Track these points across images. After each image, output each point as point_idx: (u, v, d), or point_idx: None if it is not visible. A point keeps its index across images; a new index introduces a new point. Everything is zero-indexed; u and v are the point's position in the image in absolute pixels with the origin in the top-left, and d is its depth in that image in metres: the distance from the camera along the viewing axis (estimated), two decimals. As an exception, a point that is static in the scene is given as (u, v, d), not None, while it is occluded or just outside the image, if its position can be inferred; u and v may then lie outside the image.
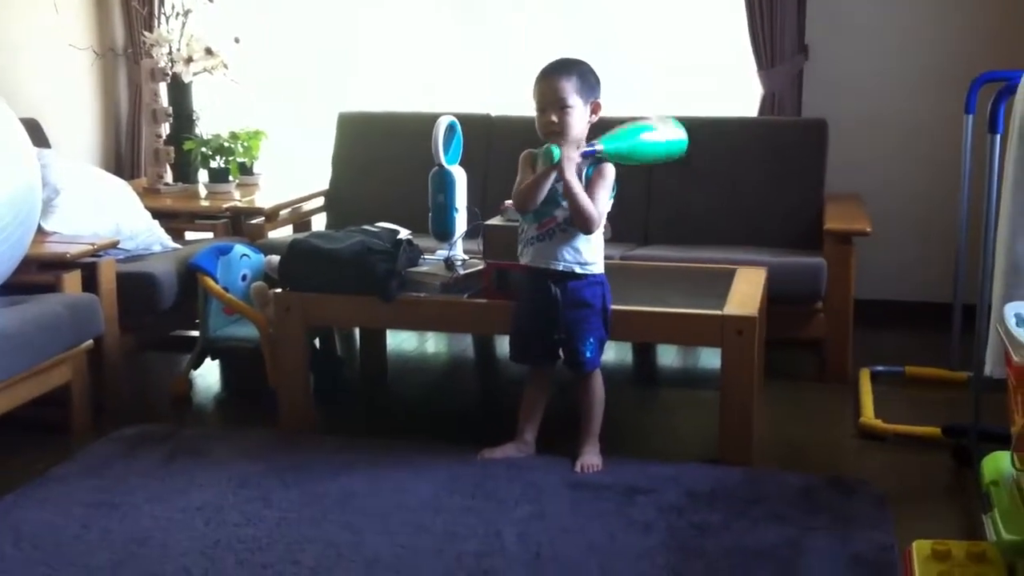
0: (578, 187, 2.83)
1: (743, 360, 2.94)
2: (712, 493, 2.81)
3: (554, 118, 2.85)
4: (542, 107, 2.89)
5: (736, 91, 4.56)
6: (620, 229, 3.44)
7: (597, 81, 2.94)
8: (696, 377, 3.99)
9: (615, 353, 4.04)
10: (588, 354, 2.94)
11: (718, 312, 2.98)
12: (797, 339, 3.83)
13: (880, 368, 3.77)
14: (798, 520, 2.65)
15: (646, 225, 4.23)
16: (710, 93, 4.63)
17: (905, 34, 4.38)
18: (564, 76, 2.87)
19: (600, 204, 2.87)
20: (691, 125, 4.26)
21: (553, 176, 2.85)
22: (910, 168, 4.43)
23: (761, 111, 4.43)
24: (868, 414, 3.33)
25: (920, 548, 2.20)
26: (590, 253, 2.93)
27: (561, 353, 2.99)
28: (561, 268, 2.91)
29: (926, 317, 4.27)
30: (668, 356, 4.18)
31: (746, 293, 3.18)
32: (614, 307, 3.00)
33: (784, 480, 2.89)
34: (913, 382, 3.73)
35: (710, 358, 3.99)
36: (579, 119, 2.88)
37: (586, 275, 2.93)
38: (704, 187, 4.20)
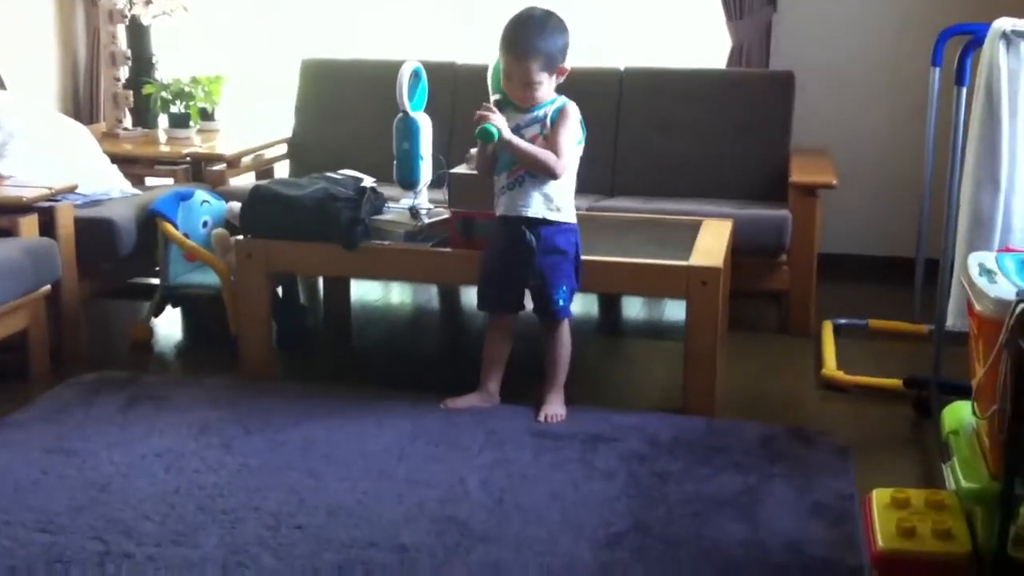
0: (521, 144, 2.83)
1: (707, 311, 2.95)
2: (674, 442, 2.82)
3: (520, 92, 2.86)
4: (508, 76, 2.86)
5: (705, 42, 4.53)
6: (587, 180, 3.41)
7: (565, 42, 2.87)
8: (661, 328, 4.00)
9: (581, 304, 4.04)
10: (560, 301, 2.94)
11: (683, 263, 2.98)
12: (761, 291, 3.85)
13: (843, 321, 3.79)
14: (759, 468, 2.67)
15: (613, 176, 4.20)
16: (679, 44, 4.60)
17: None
18: (531, 56, 2.80)
19: (563, 147, 2.85)
20: (660, 77, 4.31)
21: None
22: (876, 121, 4.43)
23: (729, 63, 4.41)
24: (830, 366, 3.35)
25: (880, 496, 2.23)
26: (561, 200, 2.92)
27: (531, 301, 2.98)
28: (530, 215, 2.89)
29: (890, 271, 4.29)
30: (633, 307, 4.18)
31: (711, 245, 3.18)
32: (582, 257, 2.98)
33: (746, 430, 2.90)
34: (876, 335, 3.76)
35: (675, 309, 4.00)
36: (545, 91, 2.87)
37: (558, 223, 2.91)
38: (671, 139, 4.18)
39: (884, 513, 2.16)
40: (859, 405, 3.16)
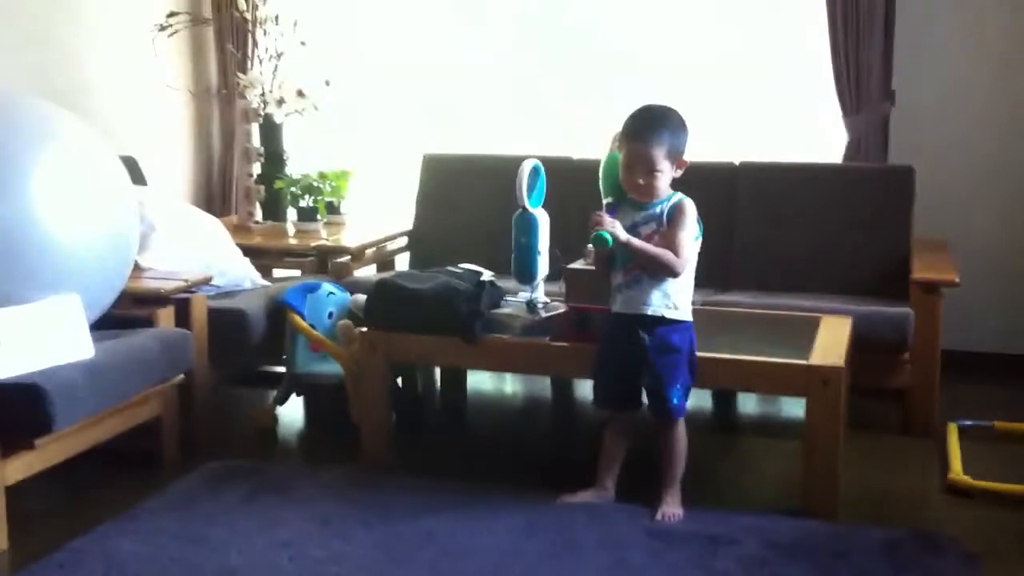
0: (639, 245, 2.87)
1: (829, 411, 2.91)
2: (794, 545, 2.77)
3: (641, 181, 2.88)
4: (630, 165, 2.89)
5: (821, 137, 4.54)
6: (700, 274, 3.44)
7: (686, 136, 2.92)
8: (777, 425, 3.95)
9: (694, 399, 3.97)
10: (675, 400, 2.93)
11: (804, 362, 2.96)
12: (881, 388, 3.76)
13: (968, 422, 3.68)
14: (884, 577, 2.61)
15: (728, 271, 4.19)
16: (795, 139, 4.61)
17: (993, 79, 4.32)
18: (656, 142, 2.85)
19: (681, 244, 2.86)
20: (775, 171, 4.31)
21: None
22: (999, 215, 4.36)
23: (846, 157, 4.39)
24: (956, 469, 3.26)
25: (1014, 613, 2.15)
26: (679, 297, 2.93)
27: (646, 399, 2.99)
28: (651, 312, 2.90)
29: (1014, 369, 4.17)
30: (748, 403, 4.14)
31: (832, 342, 3.14)
32: (698, 354, 2.98)
33: (870, 535, 2.83)
34: (1002, 437, 3.64)
35: (791, 406, 3.95)
36: (665, 181, 2.90)
37: (675, 320, 2.92)
38: (788, 234, 4.16)
39: (1019, 632, 2.09)
40: (987, 511, 3.06)
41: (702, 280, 3.60)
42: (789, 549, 2.75)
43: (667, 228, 2.89)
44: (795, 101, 4.63)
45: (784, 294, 3.92)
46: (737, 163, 4.34)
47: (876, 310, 3.66)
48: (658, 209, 2.92)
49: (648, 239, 2.90)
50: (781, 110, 4.65)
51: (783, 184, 4.26)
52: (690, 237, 2.90)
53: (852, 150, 4.38)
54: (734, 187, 4.28)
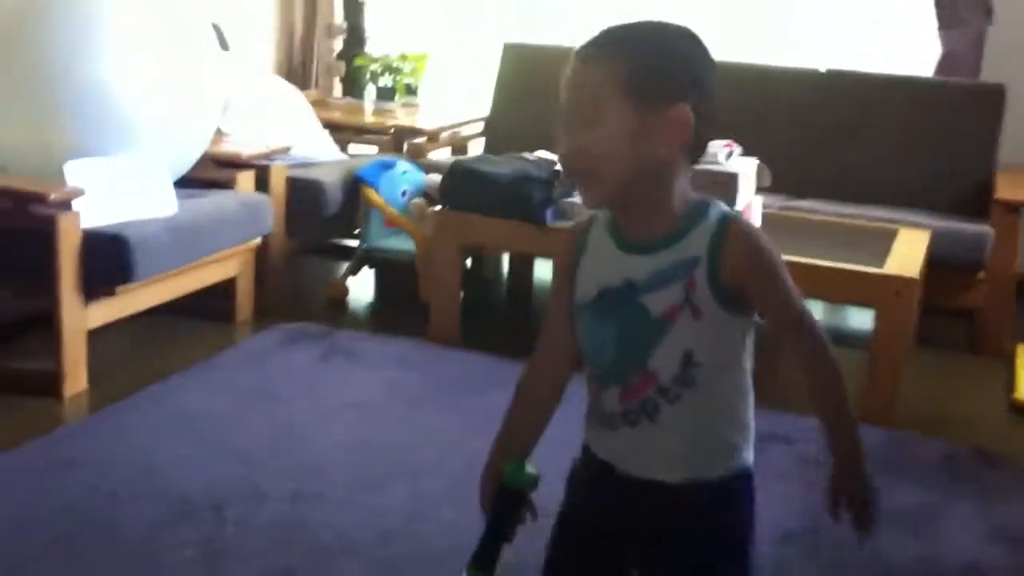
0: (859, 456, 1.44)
1: (899, 322, 2.90)
2: (852, 450, 2.78)
3: (565, 148, 1.33)
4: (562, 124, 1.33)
5: (913, 48, 4.42)
6: (778, 179, 3.40)
7: (681, 65, 1.32)
8: (840, 334, 3.93)
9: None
10: None
11: (878, 271, 2.93)
12: (952, 307, 3.73)
13: (1037, 344, 3.65)
14: (940, 486, 2.62)
15: (805, 177, 4.12)
16: (886, 49, 4.49)
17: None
18: (602, 58, 1.31)
19: (796, 301, 1.40)
20: (862, 80, 4.22)
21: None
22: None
23: (938, 71, 4.27)
24: (1022, 390, 3.24)
25: (1071, 525, 2.16)
26: (739, 426, 1.44)
27: None
28: (679, 481, 1.39)
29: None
30: (814, 311, 4.11)
31: (907, 254, 3.11)
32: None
33: (928, 446, 2.84)
34: (1070, 361, 3.60)
35: (856, 315, 3.92)
36: (620, 141, 1.29)
37: (729, 477, 1.42)
38: (870, 144, 4.08)
39: (1075, 544, 2.10)
40: (1049, 434, 3.06)
41: (779, 185, 3.57)
42: (846, 452, 2.76)
43: (753, 286, 1.34)
44: (891, 11, 4.49)
45: (861, 204, 3.86)
46: (823, 70, 4.24)
47: (955, 227, 3.61)
48: (682, 247, 1.32)
49: (672, 315, 1.33)
50: (875, 19, 4.52)
51: (869, 94, 4.16)
52: (788, 276, 1.37)
53: (945, 65, 4.26)
54: (818, 94, 4.18)
